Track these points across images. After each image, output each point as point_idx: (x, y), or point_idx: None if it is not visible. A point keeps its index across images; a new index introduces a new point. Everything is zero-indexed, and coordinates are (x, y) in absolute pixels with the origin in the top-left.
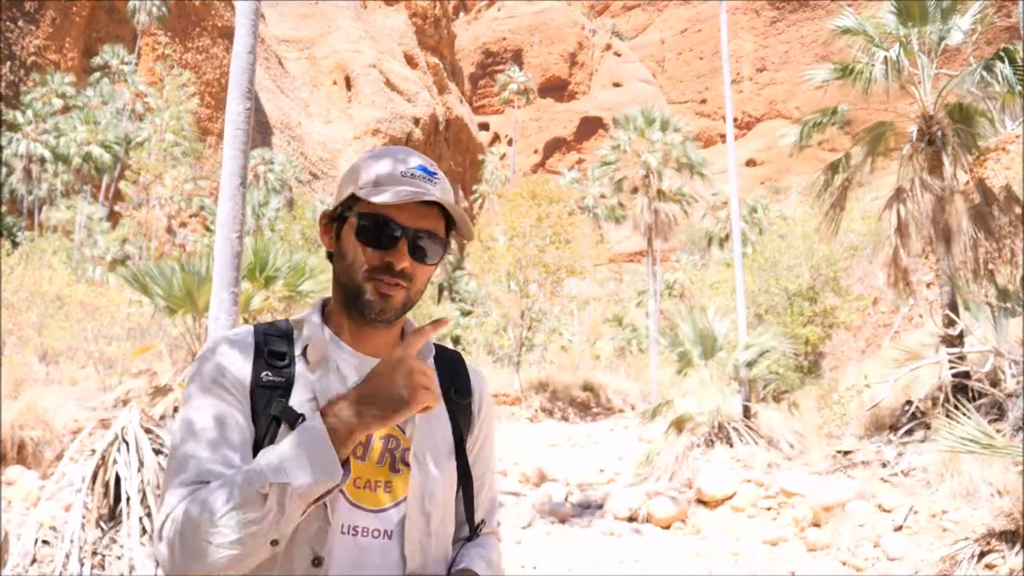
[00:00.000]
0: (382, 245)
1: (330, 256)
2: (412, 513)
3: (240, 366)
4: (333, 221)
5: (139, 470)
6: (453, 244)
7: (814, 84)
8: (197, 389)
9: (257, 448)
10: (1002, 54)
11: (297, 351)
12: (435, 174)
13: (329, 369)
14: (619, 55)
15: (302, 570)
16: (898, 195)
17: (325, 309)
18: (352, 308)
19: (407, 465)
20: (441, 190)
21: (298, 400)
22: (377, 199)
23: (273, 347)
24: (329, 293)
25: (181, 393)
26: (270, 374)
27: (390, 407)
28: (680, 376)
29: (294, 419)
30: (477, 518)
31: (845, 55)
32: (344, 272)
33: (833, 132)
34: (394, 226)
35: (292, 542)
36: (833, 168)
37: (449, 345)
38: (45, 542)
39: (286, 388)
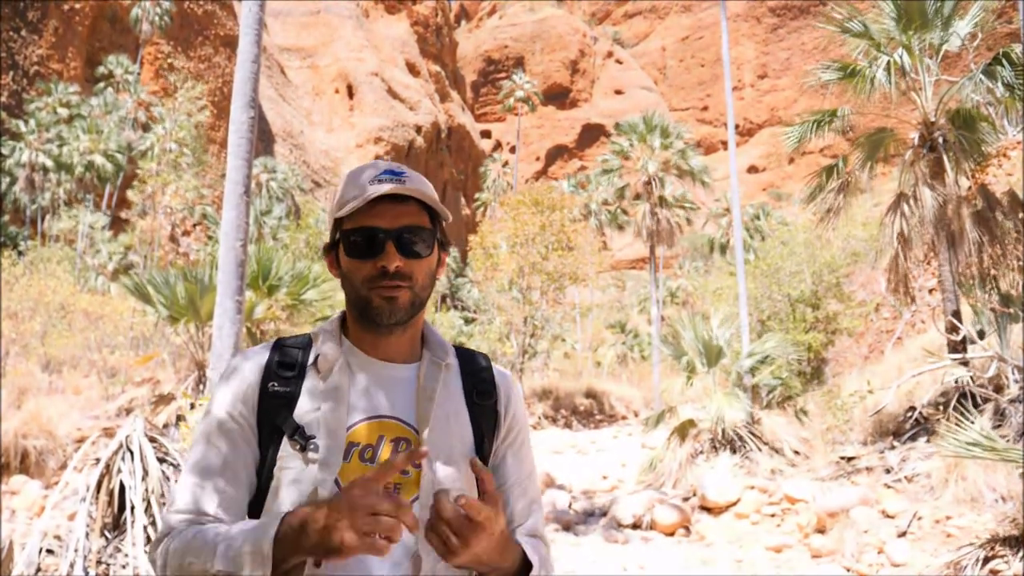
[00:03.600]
0: (371, 253)
1: (342, 286)
2: (422, 515)
3: (250, 383)
4: (331, 251)
5: (143, 479)
6: (455, 249)
7: (817, 82)
8: (207, 423)
9: (263, 458)
10: (1001, 57)
11: (310, 361)
12: (402, 173)
13: (340, 379)
14: (621, 62)
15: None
16: (900, 201)
17: (345, 322)
18: (365, 320)
19: (417, 467)
20: (410, 183)
21: (303, 410)
22: (348, 209)
23: (285, 358)
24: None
25: (184, 401)
26: (276, 384)
27: (319, 546)
28: (686, 384)
29: (293, 430)
30: (518, 521)
31: (847, 59)
32: (350, 290)
33: (834, 137)
34: (376, 231)
35: None
36: (828, 172)
37: None
38: (50, 551)
39: (291, 397)
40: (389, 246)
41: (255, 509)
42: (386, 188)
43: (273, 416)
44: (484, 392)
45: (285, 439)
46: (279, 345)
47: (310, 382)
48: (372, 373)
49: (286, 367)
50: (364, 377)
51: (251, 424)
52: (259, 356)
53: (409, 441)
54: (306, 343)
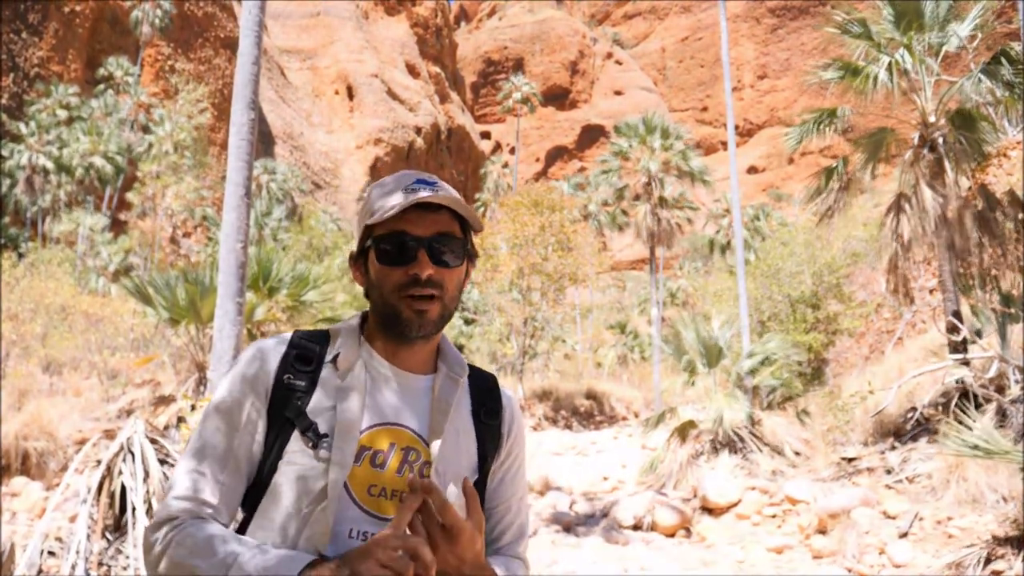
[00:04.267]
0: (403, 260)
1: (367, 294)
2: None
3: (265, 372)
4: (358, 259)
5: (144, 480)
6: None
7: (818, 81)
8: (212, 407)
9: (268, 450)
10: (1000, 56)
11: (328, 358)
12: (434, 183)
13: (358, 381)
14: (620, 63)
15: None
16: (900, 201)
17: (365, 324)
18: (392, 330)
19: (423, 478)
20: (442, 192)
21: (317, 406)
22: (379, 216)
23: (302, 352)
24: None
25: (185, 403)
26: (291, 376)
27: None
28: (686, 384)
29: (306, 426)
30: (503, 542)
31: (847, 59)
32: (379, 298)
33: (834, 138)
34: (408, 238)
35: (298, 546)
36: (828, 173)
37: None
38: (51, 553)
39: (306, 391)
40: (421, 254)
41: (250, 500)
42: (420, 196)
43: (285, 408)
44: (492, 412)
45: (296, 433)
46: (296, 338)
47: (326, 379)
48: (388, 380)
49: (303, 360)
50: (380, 382)
51: (261, 414)
52: (275, 347)
53: (418, 451)
54: (323, 339)
